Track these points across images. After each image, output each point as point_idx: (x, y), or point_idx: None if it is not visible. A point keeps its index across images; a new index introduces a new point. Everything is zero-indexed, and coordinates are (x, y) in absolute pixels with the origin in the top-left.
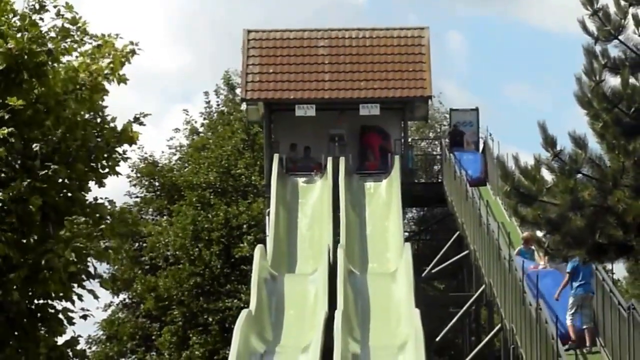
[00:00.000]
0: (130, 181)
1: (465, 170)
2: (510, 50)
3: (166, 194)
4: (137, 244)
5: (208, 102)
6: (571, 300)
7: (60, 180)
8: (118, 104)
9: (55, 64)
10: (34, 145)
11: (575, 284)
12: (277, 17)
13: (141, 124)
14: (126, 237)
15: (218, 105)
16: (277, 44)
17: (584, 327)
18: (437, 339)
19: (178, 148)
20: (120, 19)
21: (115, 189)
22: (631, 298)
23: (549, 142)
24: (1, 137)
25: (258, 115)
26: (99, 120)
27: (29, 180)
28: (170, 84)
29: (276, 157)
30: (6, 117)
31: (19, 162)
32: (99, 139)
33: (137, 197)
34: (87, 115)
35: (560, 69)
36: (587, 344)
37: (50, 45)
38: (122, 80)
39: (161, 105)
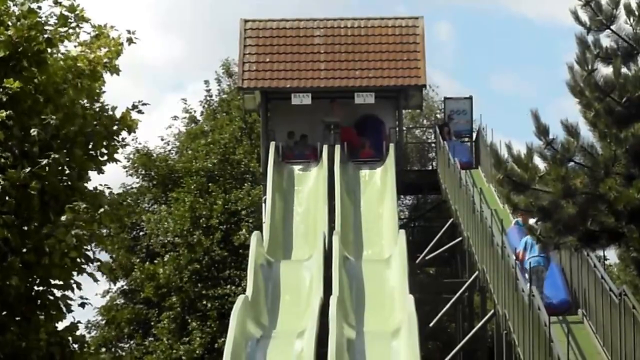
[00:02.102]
0: (126, 171)
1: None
2: (497, 40)
3: (161, 183)
4: (134, 232)
5: (208, 91)
6: (526, 275)
7: (59, 167)
8: (110, 92)
9: (54, 51)
10: (32, 131)
11: (527, 257)
12: (267, 7)
13: (140, 112)
14: (122, 222)
15: (219, 93)
16: (274, 33)
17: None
18: (431, 324)
19: (176, 136)
20: (112, 6)
21: (113, 180)
22: (622, 284)
23: (542, 130)
24: (0, 120)
25: (254, 103)
26: (97, 108)
27: (29, 167)
28: (162, 73)
29: (272, 145)
30: (4, 99)
31: (17, 150)
32: (97, 127)
33: (132, 188)
34: (85, 101)
35: (547, 58)
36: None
37: (49, 33)
38: (115, 70)
39: (153, 93)
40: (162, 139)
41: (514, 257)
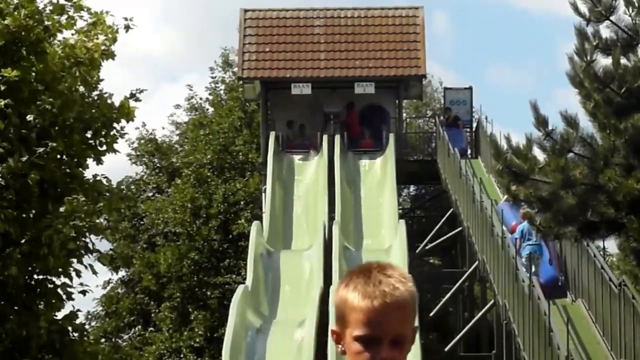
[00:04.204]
0: (130, 159)
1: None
2: (493, 31)
3: (165, 172)
4: (134, 221)
5: (214, 78)
6: (522, 260)
7: (58, 155)
8: (108, 82)
9: (52, 40)
10: (28, 117)
11: (523, 245)
12: None
13: (137, 99)
14: (120, 212)
15: (223, 80)
16: (274, 23)
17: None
18: (431, 314)
19: (178, 125)
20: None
21: (115, 169)
22: (622, 274)
23: (541, 121)
24: None
25: (254, 93)
26: (95, 96)
27: (27, 156)
28: (159, 64)
29: (272, 134)
30: (2, 88)
31: (15, 137)
32: (95, 113)
33: (141, 167)
34: (82, 89)
35: (544, 49)
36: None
37: (46, 22)
38: (110, 55)
39: (150, 84)
40: (164, 128)
41: (509, 232)
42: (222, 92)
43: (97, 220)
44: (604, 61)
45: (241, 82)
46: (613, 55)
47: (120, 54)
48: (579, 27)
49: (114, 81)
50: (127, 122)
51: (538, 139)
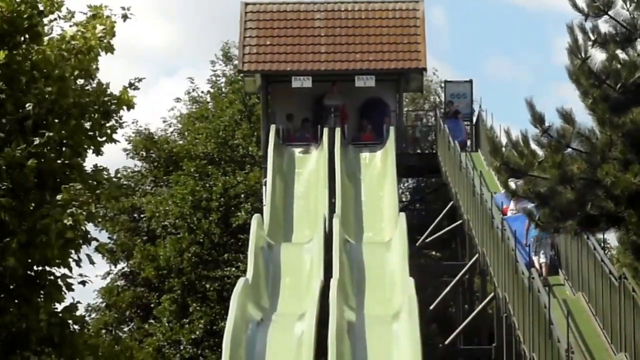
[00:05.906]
0: (127, 154)
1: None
2: (490, 25)
3: (162, 165)
4: (134, 215)
5: (215, 71)
6: (532, 241)
7: (55, 142)
8: (106, 76)
9: (46, 25)
10: (27, 105)
11: (531, 227)
12: None
13: (136, 88)
14: (119, 202)
15: (224, 74)
16: (274, 16)
17: (541, 262)
18: (431, 307)
19: (178, 118)
20: None
21: (112, 162)
22: (622, 267)
23: (537, 118)
24: None
25: (255, 86)
26: (94, 85)
27: (24, 145)
28: (157, 57)
29: (273, 127)
30: None
31: (11, 126)
32: (92, 97)
33: (133, 171)
34: (80, 79)
35: (540, 43)
36: (544, 275)
37: (40, 7)
38: (110, 49)
39: (148, 78)
40: (164, 121)
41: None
42: (222, 85)
43: (95, 210)
44: (601, 56)
45: (241, 75)
46: (608, 50)
47: (120, 47)
48: (570, 24)
49: (111, 74)
50: (128, 110)
51: (535, 135)
